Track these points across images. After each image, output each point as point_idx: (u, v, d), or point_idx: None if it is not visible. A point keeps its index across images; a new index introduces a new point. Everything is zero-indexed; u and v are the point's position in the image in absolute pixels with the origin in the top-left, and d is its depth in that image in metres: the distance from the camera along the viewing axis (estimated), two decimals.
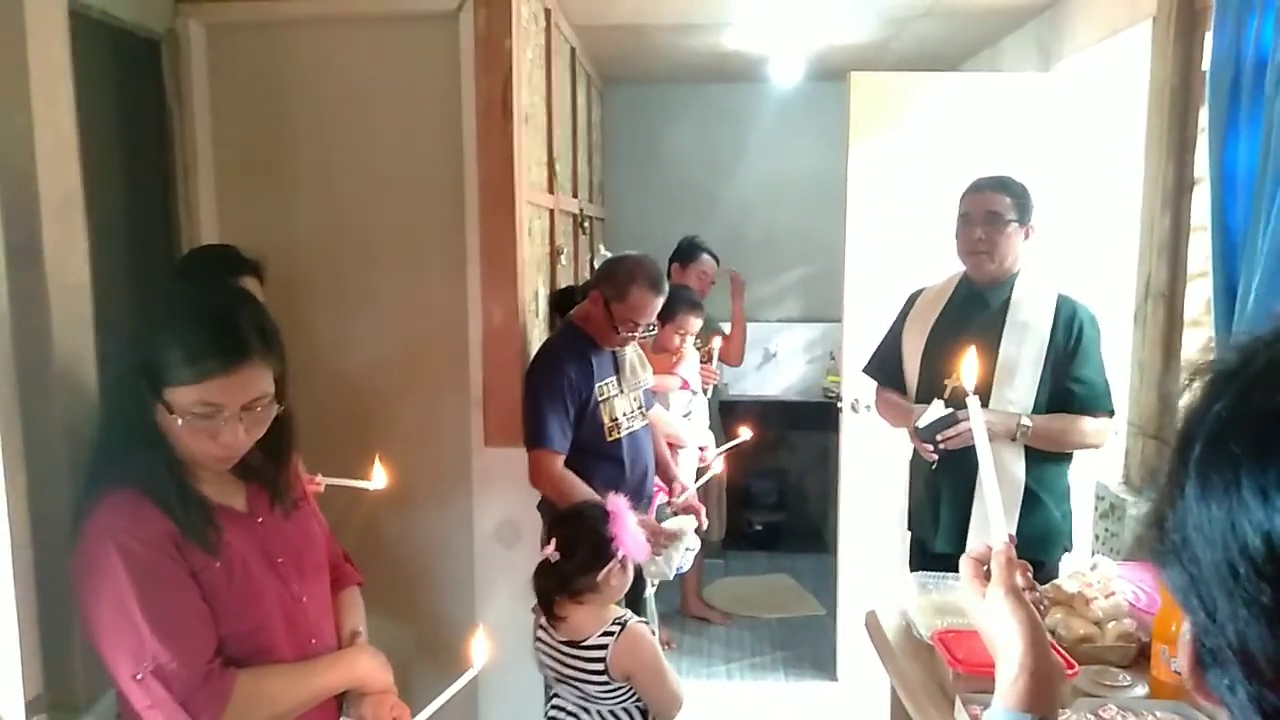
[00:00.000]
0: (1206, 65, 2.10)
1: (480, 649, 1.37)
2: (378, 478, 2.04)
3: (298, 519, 1.47)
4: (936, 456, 2.27)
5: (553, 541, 1.92)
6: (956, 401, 2.20)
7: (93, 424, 1.38)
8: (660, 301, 2.54)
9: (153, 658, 1.22)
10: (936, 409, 2.25)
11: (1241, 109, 1.93)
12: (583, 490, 2.39)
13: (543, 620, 2.00)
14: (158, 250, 2.55)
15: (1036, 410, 2.26)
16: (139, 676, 1.22)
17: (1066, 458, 2.35)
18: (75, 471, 1.35)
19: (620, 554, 1.91)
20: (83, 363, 1.43)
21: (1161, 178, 2.33)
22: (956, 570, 1.03)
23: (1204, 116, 2.11)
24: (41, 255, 1.34)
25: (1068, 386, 2.26)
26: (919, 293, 2.55)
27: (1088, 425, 2.27)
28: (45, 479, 1.31)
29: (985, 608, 0.95)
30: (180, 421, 1.25)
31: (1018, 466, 2.26)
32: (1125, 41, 2.73)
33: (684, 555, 3.12)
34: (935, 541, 2.40)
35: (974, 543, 2.35)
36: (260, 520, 1.41)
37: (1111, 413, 2.29)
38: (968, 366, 1.15)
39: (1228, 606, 0.53)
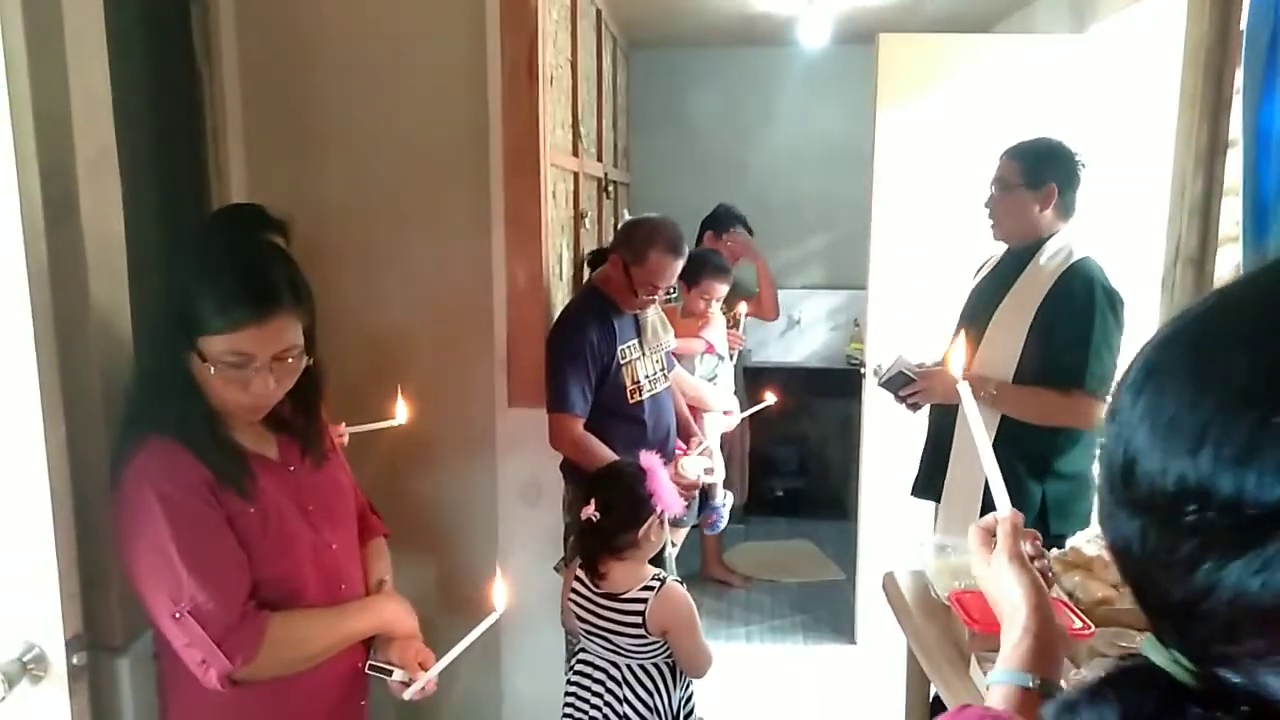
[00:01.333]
0: (1243, 25, 2.05)
1: (501, 593, 1.40)
2: (400, 413, 2.07)
3: (327, 469, 1.51)
4: (908, 409, 2.39)
5: (593, 502, 1.97)
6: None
7: (129, 374, 1.42)
8: (679, 265, 2.54)
9: (190, 597, 1.26)
10: (892, 366, 2.35)
11: (1278, 69, 1.90)
12: (603, 453, 2.42)
13: (579, 573, 2.04)
14: (188, 210, 2.58)
15: (1018, 378, 2.19)
16: (177, 615, 1.26)
17: (1056, 432, 2.21)
18: (113, 420, 1.39)
19: (659, 509, 1.97)
20: (118, 315, 1.46)
21: (1194, 139, 2.29)
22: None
23: (1239, 77, 2.07)
24: (78, 210, 1.37)
25: (1048, 356, 2.16)
26: (988, 260, 2.56)
27: (1060, 403, 2.15)
28: (84, 427, 1.35)
29: (991, 573, 0.97)
30: (213, 370, 1.28)
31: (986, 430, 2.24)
32: (1160, 2, 2.67)
33: (716, 518, 3.20)
34: (913, 484, 2.52)
35: (948, 499, 2.43)
36: (292, 469, 1.45)
37: (1095, 394, 2.13)
38: (955, 350, 1.17)
39: (1108, 504, 0.57)
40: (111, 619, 1.41)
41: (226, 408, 1.34)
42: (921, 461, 2.55)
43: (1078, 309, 2.15)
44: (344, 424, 1.97)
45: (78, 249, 1.36)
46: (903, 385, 2.34)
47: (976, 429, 1.08)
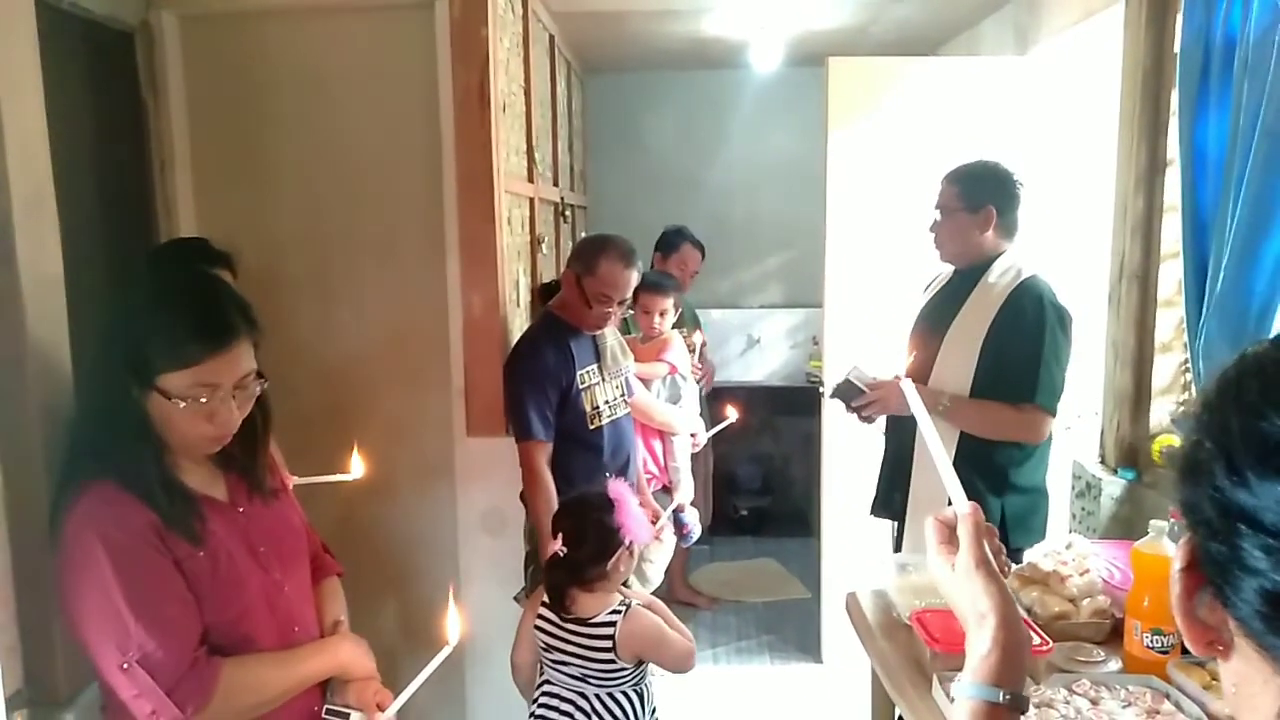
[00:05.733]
0: (1178, 47, 2.11)
1: (454, 625, 1.38)
2: (355, 468, 2.03)
3: (277, 508, 1.48)
4: (860, 420, 2.41)
5: (559, 536, 1.94)
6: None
7: (69, 418, 1.39)
8: (631, 276, 2.54)
9: (138, 646, 1.23)
10: (845, 377, 2.37)
11: (1211, 91, 1.96)
12: (549, 500, 2.40)
13: (545, 598, 2.02)
14: (136, 244, 2.54)
15: (972, 394, 2.23)
16: (125, 665, 1.23)
17: (1010, 447, 2.25)
18: (52, 466, 1.35)
19: (627, 541, 1.95)
20: (58, 358, 1.43)
21: (1134, 159, 2.35)
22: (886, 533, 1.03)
23: (1176, 98, 2.13)
24: (14, 252, 1.34)
25: (998, 371, 2.20)
26: (936, 277, 2.59)
27: (1010, 416, 2.19)
28: (21, 475, 1.31)
29: (955, 580, 0.93)
30: (181, 405, 1.27)
31: (948, 449, 2.25)
32: (1100, 24, 2.75)
33: (689, 529, 3.22)
34: (872, 504, 2.53)
35: (914, 516, 2.45)
36: (241, 510, 1.42)
37: (1043, 407, 2.18)
38: (900, 353, 1.18)
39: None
40: (54, 672, 1.37)
41: (187, 442, 1.33)
42: (880, 480, 2.56)
43: (1028, 326, 2.19)
44: (293, 476, 1.92)
45: (14, 292, 1.33)
46: (854, 396, 2.36)
47: (924, 424, 1.05)
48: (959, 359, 2.26)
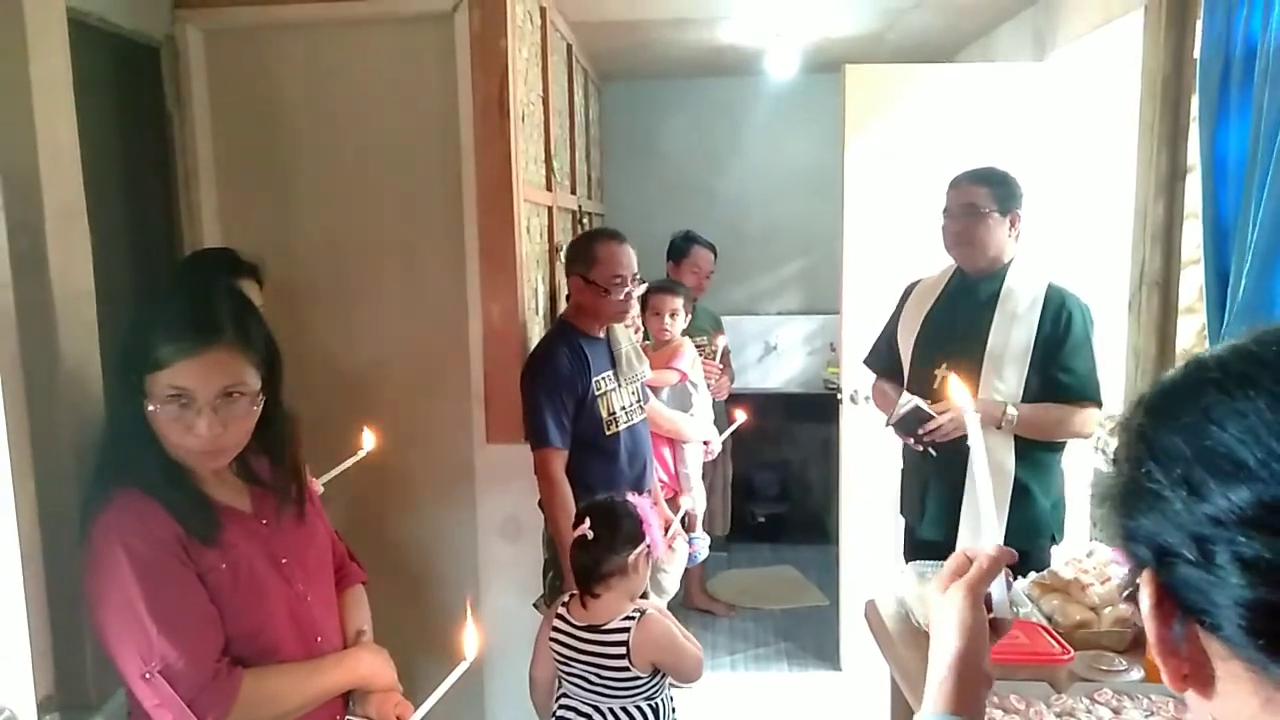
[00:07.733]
0: (1197, 54, 2.11)
1: (470, 640, 1.39)
2: (367, 442, 2.05)
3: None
4: (922, 449, 2.30)
5: (587, 520, 1.98)
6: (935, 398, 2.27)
7: (99, 428, 1.41)
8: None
9: (160, 657, 1.24)
10: (905, 403, 2.30)
11: (1231, 97, 1.95)
12: (567, 507, 2.40)
13: (561, 610, 2.03)
14: (161, 256, 2.58)
15: (1025, 400, 2.26)
16: (147, 676, 1.24)
17: (1057, 448, 2.35)
18: (83, 475, 1.37)
19: (647, 540, 1.99)
20: (88, 368, 1.45)
21: (1154, 165, 2.35)
22: (944, 557, 1.00)
23: (1196, 104, 2.12)
24: (46, 263, 1.35)
25: (1056, 376, 2.26)
26: (915, 284, 2.57)
27: (1075, 415, 2.27)
28: (54, 482, 1.33)
29: (942, 602, 0.92)
30: (154, 409, 1.25)
31: (1007, 457, 2.26)
32: (1118, 30, 2.74)
33: (697, 549, 3.19)
34: (921, 528, 2.46)
35: (965, 532, 2.39)
36: (264, 522, 1.42)
37: (1099, 404, 2.28)
38: (955, 385, 1.12)
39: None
40: (84, 677, 1.38)
41: (178, 453, 1.30)
42: (926, 498, 2.43)
43: (1077, 330, 2.26)
44: (317, 480, 1.94)
45: (46, 302, 1.35)
46: (918, 424, 2.27)
47: (978, 457, 1.00)
48: (1008, 372, 2.28)
